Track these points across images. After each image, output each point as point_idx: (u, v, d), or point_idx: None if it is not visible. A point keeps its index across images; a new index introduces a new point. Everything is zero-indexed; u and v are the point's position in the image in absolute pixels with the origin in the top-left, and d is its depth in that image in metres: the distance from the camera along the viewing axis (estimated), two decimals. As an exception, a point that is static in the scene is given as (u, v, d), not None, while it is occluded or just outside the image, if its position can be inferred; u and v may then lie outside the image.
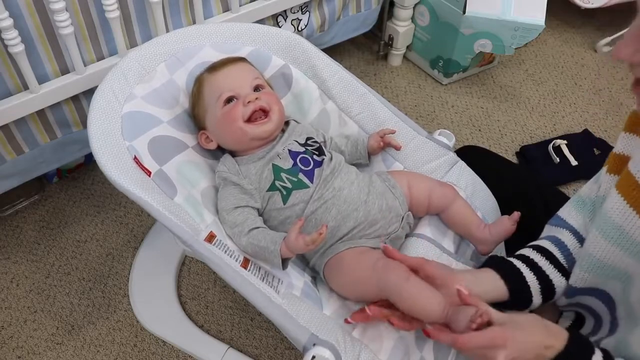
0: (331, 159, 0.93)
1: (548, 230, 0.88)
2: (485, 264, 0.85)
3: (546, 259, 0.82)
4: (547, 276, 0.82)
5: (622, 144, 0.78)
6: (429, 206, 0.96)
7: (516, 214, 0.91)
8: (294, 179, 0.89)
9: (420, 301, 0.77)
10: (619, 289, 0.75)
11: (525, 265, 0.82)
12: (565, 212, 0.87)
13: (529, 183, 1.08)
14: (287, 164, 0.90)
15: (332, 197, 0.88)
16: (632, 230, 0.70)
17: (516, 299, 0.82)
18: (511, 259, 0.84)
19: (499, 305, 0.79)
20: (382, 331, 0.83)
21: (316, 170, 0.90)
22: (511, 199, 1.03)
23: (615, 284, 0.76)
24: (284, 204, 0.88)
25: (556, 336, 0.70)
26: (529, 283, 0.81)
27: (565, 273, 0.82)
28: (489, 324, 0.71)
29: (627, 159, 0.73)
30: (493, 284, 0.81)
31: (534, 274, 0.82)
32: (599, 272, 0.76)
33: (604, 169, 0.80)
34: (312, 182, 0.89)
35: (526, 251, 0.85)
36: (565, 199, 1.08)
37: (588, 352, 0.69)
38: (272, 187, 0.89)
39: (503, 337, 0.68)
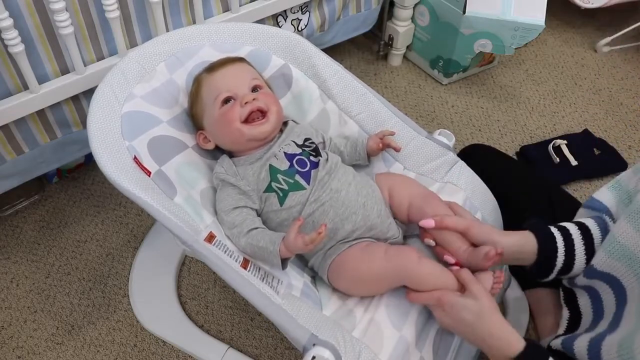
0: (327, 160, 0.92)
1: (585, 213, 0.90)
2: (530, 228, 0.87)
3: (584, 242, 0.85)
4: (574, 257, 0.84)
5: None
6: (409, 218, 0.94)
7: (492, 251, 0.82)
8: (290, 180, 0.88)
9: (437, 276, 0.83)
10: (636, 285, 0.76)
11: (563, 245, 0.85)
12: (601, 195, 0.89)
13: (534, 181, 1.09)
14: (284, 165, 0.89)
15: (330, 199, 0.88)
16: None
17: (537, 272, 0.87)
18: (555, 234, 0.86)
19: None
20: (382, 331, 0.83)
21: (312, 172, 0.90)
22: (518, 197, 1.03)
23: (633, 278, 0.77)
24: (281, 205, 0.88)
25: (504, 342, 0.74)
26: (556, 262, 0.85)
27: (591, 257, 0.84)
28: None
29: None
30: (527, 249, 0.85)
31: (564, 254, 0.85)
32: (622, 260, 0.78)
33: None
34: (308, 183, 0.89)
35: (572, 229, 0.86)
36: (569, 197, 1.08)
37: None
38: (269, 189, 0.88)
39: (443, 302, 0.79)
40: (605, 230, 0.85)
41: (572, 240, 0.85)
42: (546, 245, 0.84)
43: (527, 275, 0.89)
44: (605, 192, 0.89)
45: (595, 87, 1.71)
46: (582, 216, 0.90)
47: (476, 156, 1.12)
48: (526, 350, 0.72)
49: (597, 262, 0.82)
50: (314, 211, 0.87)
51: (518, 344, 0.73)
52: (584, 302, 0.88)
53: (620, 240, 0.78)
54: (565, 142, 1.47)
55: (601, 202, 0.88)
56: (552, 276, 0.86)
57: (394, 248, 0.87)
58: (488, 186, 1.02)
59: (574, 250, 0.84)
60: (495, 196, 1.02)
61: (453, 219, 0.86)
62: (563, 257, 0.84)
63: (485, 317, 0.75)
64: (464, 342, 0.92)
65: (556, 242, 0.85)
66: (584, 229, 0.86)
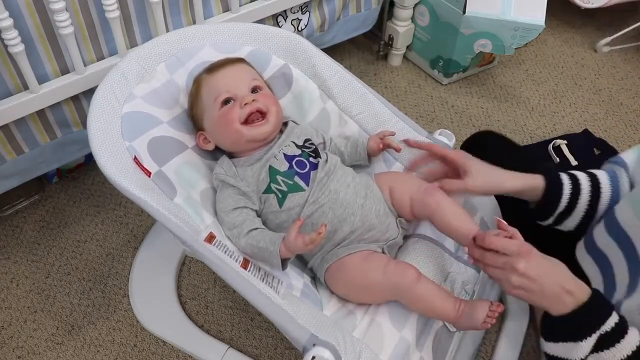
0: (326, 160, 0.92)
1: (608, 165, 0.95)
2: (539, 171, 0.92)
3: (590, 184, 0.90)
4: (578, 197, 0.89)
5: None
6: (413, 214, 0.94)
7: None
8: (289, 182, 0.88)
9: (432, 302, 0.81)
10: None
11: (570, 184, 0.90)
12: (626, 153, 0.94)
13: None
14: (283, 166, 0.89)
15: (328, 200, 0.87)
16: None
17: (539, 211, 0.91)
18: (563, 177, 0.91)
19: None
20: (383, 332, 0.83)
21: (312, 173, 0.90)
22: None
23: None
24: (280, 207, 0.88)
25: (579, 286, 0.73)
26: (561, 200, 0.89)
27: (593, 209, 0.89)
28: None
29: None
30: (535, 188, 0.90)
31: (570, 191, 0.89)
32: None
33: None
34: (307, 185, 0.89)
35: (582, 177, 0.91)
36: None
37: (607, 312, 0.72)
38: (268, 190, 0.88)
39: (529, 250, 0.74)
40: (614, 178, 0.90)
41: (579, 183, 0.90)
42: (553, 185, 0.89)
43: (528, 216, 0.93)
44: (629, 151, 0.93)
45: (595, 87, 1.71)
46: (608, 166, 0.95)
47: (483, 144, 1.12)
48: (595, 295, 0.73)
49: (623, 216, 0.83)
50: (312, 213, 0.87)
51: (585, 294, 0.74)
52: (595, 275, 0.88)
53: None
54: (565, 142, 1.47)
55: (622, 158, 0.92)
56: (552, 219, 0.90)
57: (394, 263, 0.86)
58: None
59: (579, 191, 0.89)
60: None
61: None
62: (568, 196, 0.88)
63: (554, 261, 0.76)
64: (463, 343, 0.92)
65: (562, 183, 0.90)
66: (592, 176, 0.91)
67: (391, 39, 1.70)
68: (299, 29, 1.40)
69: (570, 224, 0.92)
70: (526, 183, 0.91)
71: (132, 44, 1.12)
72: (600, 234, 0.87)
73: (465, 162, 0.91)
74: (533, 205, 0.93)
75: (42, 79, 1.03)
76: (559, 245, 0.87)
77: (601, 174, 0.91)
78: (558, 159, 1.44)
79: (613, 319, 0.71)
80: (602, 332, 0.71)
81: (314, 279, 0.94)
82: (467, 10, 1.48)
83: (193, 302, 1.17)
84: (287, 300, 0.80)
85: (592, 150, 1.48)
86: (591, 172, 0.92)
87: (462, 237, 0.85)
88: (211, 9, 1.20)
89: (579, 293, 0.73)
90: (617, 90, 1.70)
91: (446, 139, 1.05)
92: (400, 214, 0.95)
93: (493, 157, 1.02)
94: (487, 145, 1.12)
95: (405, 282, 0.82)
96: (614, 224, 0.84)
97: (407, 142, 1.02)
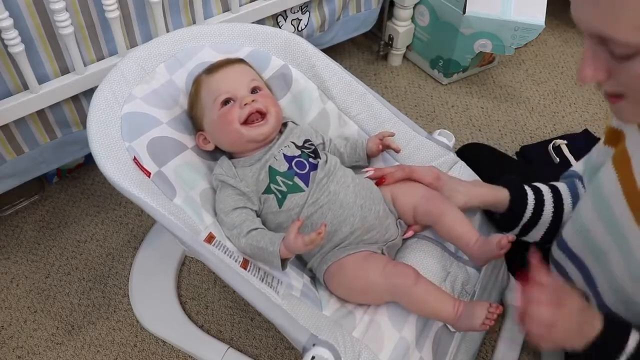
0: (326, 161, 0.92)
1: (563, 179, 0.99)
2: (503, 184, 0.95)
3: (553, 199, 0.93)
4: (541, 213, 0.92)
5: (616, 120, 0.82)
6: (415, 221, 0.95)
7: (504, 240, 0.82)
8: (289, 182, 0.88)
9: (430, 303, 0.81)
10: (597, 266, 0.80)
11: (533, 200, 0.93)
12: (577, 165, 0.98)
13: (531, 181, 1.09)
14: (283, 167, 0.89)
15: (328, 201, 0.87)
16: (615, 206, 0.73)
17: (505, 223, 0.95)
18: (527, 191, 0.94)
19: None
20: (383, 332, 0.83)
21: (311, 174, 0.90)
22: None
23: (595, 263, 0.80)
24: (280, 207, 0.88)
25: (594, 319, 0.70)
26: (524, 216, 0.92)
27: (557, 221, 0.93)
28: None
29: (621, 134, 0.78)
30: (499, 199, 0.93)
31: (533, 209, 0.92)
32: (586, 242, 0.82)
33: (602, 139, 0.87)
34: (307, 185, 0.89)
35: (545, 190, 0.95)
36: None
37: (623, 338, 0.69)
38: (268, 190, 0.88)
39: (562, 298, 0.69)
40: (574, 192, 0.93)
41: (542, 195, 0.93)
42: (518, 198, 0.92)
43: (495, 223, 0.98)
44: (580, 163, 0.97)
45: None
46: (564, 180, 0.98)
47: (473, 155, 1.12)
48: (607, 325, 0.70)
49: (567, 235, 0.87)
50: (312, 214, 0.87)
51: (600, 321, 0.70)
52: (574, 274, 0.89)
53: (582, 218, 0.82)
54: (565, 142, 1.47)
55: (575, 170, 0.96)
56: (517, 229, 0.94)
57: (393, 264, 0.86)
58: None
59: (543, 203, 0.92)
60: None
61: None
62: (531, 213, 0.91)
63: (574, 309, 0.71)
64: (463, 343, 0.92)
65: (527, 196, 0.92)
66: (554, 189, 0.94)
67: (391, 39, 1.70)
68: (299, 29, 1.40)
69: (535, 235, 0.94)
70: (495, 196, 0.93)
71: (132, 44, 1.12)
72: (554, 251, 0.91)
73: (442, 188, 0.93)
74: (498, 216, 0.96)
75: (42, 79, 1.03)
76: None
77: (562, 187, 0.94)
78: (558, 159, 1.44)
79: (633, 340, 0.69)
80: (628, 356, 0.68)
81: (313, 279, 0.94)
82: (467, 10, 1.48)
83: (193, 302, 1.17)
84: (286, 301, 0.80)
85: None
86: (553, 185, 0.95)
87: (464, 245, 0.87)
88: (211, 9, 1.20)
89: (596, 324, 0.69)
90: (617, 90, 1.70)
91: (446, 139, 1.05)
92: (400, 217, 0.95)
93: (485, 169, 1.03)
94: (478, 156, 1.14)
95: (403, 283, 0.82)
96: (561, 240, 0.88)
97: (381, 181, 0.97)
